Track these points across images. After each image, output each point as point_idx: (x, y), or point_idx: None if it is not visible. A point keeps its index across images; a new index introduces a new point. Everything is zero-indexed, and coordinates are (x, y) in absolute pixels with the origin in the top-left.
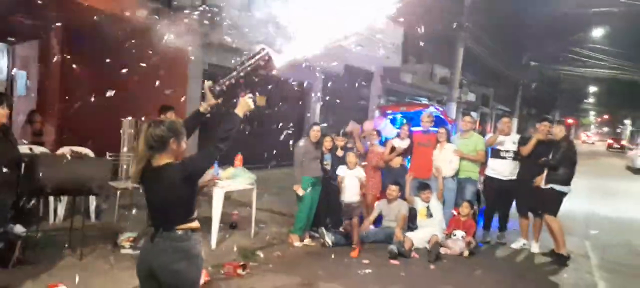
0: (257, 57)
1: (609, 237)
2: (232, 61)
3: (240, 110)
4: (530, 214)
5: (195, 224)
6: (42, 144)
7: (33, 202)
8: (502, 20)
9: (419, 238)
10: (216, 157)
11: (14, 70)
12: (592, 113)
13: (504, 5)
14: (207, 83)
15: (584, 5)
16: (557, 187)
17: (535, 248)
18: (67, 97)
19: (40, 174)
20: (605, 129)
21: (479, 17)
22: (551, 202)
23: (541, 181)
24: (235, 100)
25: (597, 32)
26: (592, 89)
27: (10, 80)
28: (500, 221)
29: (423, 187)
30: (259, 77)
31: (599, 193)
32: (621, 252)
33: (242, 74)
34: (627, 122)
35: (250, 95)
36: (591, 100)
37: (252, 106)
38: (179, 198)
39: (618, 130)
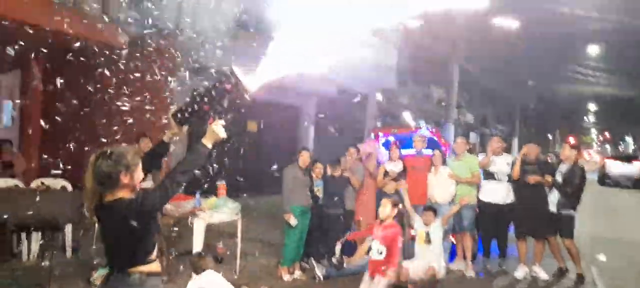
0: (222, 80)
1: (616, 261)
2: (195, 90)
3: (208, 140)
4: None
5: (154, 267)
6: (13, 176)
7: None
8: (496, 42)
9: (416, 268)
10: (175, 191)
11: (5, 104)
12: (593, 131)
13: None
14: (170, 111)
15: (580, 23)
16: (573, 213)
17: (543, 274)
18: (47, 126)
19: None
20: (607, 147)
21: (474, 36)
22: (567, 226)
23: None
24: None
25: (593, 50)
26: (592, 107)
27: None
28: (500, 247)
29: (427, 208)
30: (232, 103)
31: (602, 211)
32: (628, 275)
33: (206, 99)
34: (629, 139)
35: (221, 122)
36: (592, 118)
37: (223, 135)
38: (132, 237)
39: (620, 148)
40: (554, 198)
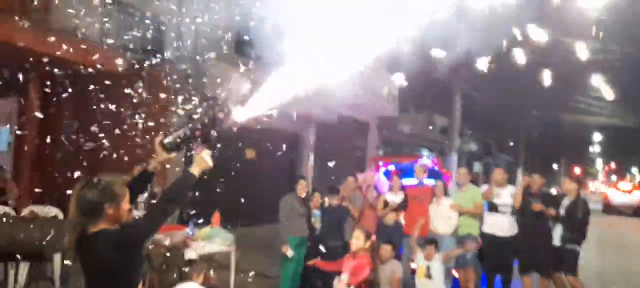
0: (215, 109)
1: None
2: (185, 117)
3: (195, 169)
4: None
5: None
6: (5, 202)
7: None
8: (498, 70)
9: None
10: (162, 221)
11: (2, 129)
12: (599, 161)
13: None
14: (158, 138)
15: (583, 53)
16: (577, 247)
17: None
18: (43, 153)
19: None
20: (614, 177)
21: (476, 65)
22: (570, 262)
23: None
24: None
25: (597, 80)
26: (597, 137)
27: None
28: (503, 283)
29: (428, 241)
30: (222, 131)
31: (609, 243)
32: None
33: (197, 126)
34: (635, 170)
35: (208, 151)
36: (597, 148)
37: (210, 164)
38: (114, 271)
39: (627, 179)
40: (558, 232)
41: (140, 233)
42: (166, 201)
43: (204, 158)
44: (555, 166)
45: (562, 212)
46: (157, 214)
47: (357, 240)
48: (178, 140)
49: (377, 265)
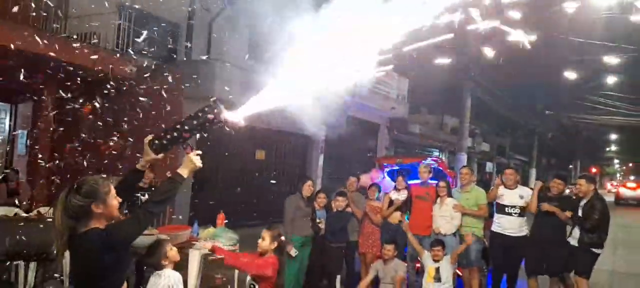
0: (206, 110)
1: None
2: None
3: (184, 170)
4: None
5: None
6: (18, 203)
7: None
8: (511, 69)
9: None
10: (148, 222)
11: (19, 131)
12: (616, 161)
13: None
14: (147, 138)
15: (598, 53)
16: (596, 250)
17: None
18: (57, 155)
19: None
20: (632, 177)
21: (487, 65)
22: (585, 265)
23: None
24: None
25: (612, 79)
26: (614, 136)
27: (12, 139)
28: (509, 283)
29: (436, 243)
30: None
31: (623, 244)
32: None
33: (186, 127)
34: None
35: (198, 152)
36: (614, 147)
37: (199, 164)
38: (97, 270)
39: None
40: (576, 233)
41: (127, 235)
42: (154, 203)
43: (193, 160)
44: (571, 166)
45: (579, 212)
46: (143, 215)
47: (263, 241)
48: (165, 141)
49: (284, 267)
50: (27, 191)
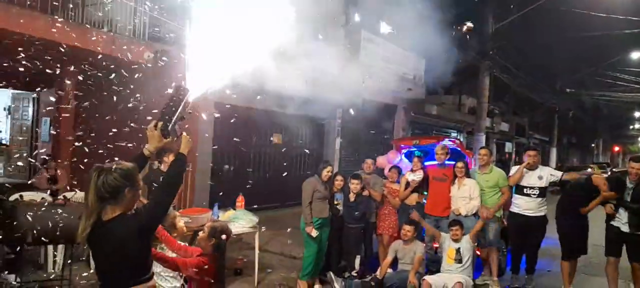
0: (179, 93)
1: None
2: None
3: (185, 149)
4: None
5: (150, 284)
6: (56, 191)
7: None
8: (529, 46)
9: (439, 282)
10: (169, 203)
11: (44, 119)
12: None
13: (530, 31)
14: (151, 124)
15: (617, 27)
16: None
17: None
18: (80, 143)
19: (18, 222)
20: None
21: (505, 43)
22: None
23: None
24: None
25: (635, 55)
26: (638, 114)
27: (36, 126)
28: (528, 262)
29: (454, 222)
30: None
31: None
32: None
33: (174, 109)
34: None
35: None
36: (638, 125)
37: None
38: (131, 255)
39: None
40: (623, 217)
41: (158, 219)
42: (170, 185)
43: (189, 139)
44: (593, 145)
45: (627, 197)
46: (163, 197)
47: (201, 233)
48: (169, 125)
49: (220, 263)
50: (65, 178)
